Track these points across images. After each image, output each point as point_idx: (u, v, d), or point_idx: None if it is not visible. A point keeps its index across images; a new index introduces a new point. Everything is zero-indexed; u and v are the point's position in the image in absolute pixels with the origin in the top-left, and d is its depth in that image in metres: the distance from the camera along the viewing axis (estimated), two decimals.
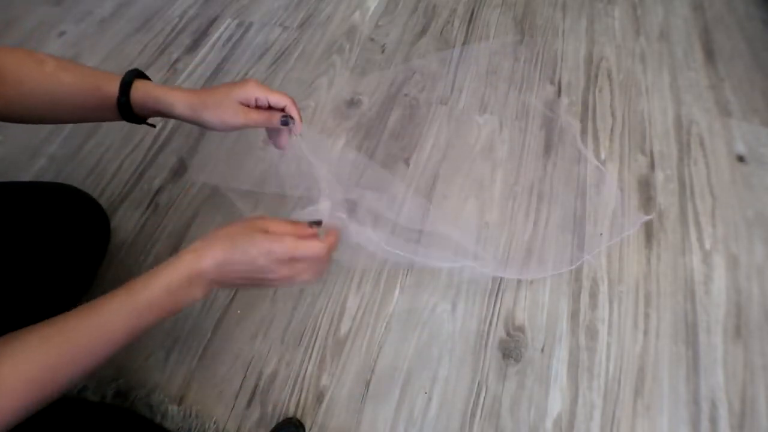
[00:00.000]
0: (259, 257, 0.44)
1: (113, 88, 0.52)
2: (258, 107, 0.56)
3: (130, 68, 0.55)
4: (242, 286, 0.48)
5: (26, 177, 0.90)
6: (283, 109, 0.57)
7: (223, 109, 0.53)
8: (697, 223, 0.82)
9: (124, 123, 0.98)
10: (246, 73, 1.06)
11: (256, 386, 0.68)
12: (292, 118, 0.57)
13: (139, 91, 0.53)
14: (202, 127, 0.55)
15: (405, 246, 0.75)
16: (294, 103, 0.56)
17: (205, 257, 0.43)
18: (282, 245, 0.44)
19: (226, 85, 0.55)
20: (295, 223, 0.49)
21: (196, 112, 0.53)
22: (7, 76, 0.49)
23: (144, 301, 0.41)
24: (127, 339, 0.41)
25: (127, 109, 0.54)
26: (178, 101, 0.53)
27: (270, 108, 0.57)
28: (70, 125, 0.97)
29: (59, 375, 0.38)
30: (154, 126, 0.60)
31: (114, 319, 0.40)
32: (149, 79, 0.56)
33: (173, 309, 0.43)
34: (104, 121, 0.56)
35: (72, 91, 0.52)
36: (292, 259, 0.45)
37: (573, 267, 0.76)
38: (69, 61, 0.54)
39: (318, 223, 0.54)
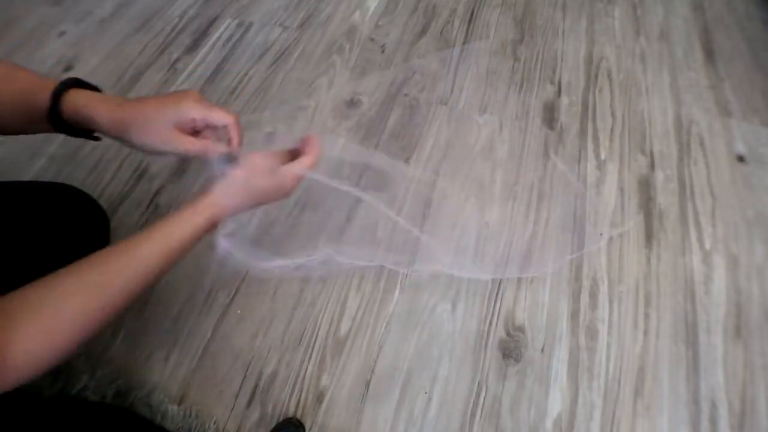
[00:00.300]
0: (276, 192, 0.53)
1: (46, 98, 0.46)
2: (196, 128, 0.49)
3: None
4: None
5: (26, 177, 0.90)
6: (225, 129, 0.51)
7: (151, 132, 0.46)
8: (697, 223, 0.82)
9: None
10: (246, 73, 1.06)
11: (256, 386, 0.68)
12: (234, 157, 0.51)
13: (69, 103, 0.47)
14: (131, 147, 0.48)
15: (401, 259, 0.75)
16: (237, 122, 0.50)
17: (227, 209, 0.51)
18: (293, 180, 0.53)
19: (160, 100, 0.47)
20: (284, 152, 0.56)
21: (120, 131, 0.46)
22: None
23: (176, 241, 0.47)
24: (159, 276, 0.46)
25: (59, 123, 0.48)
26: (101, 117, 0.46)
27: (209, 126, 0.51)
28: None
29: (101, 314, 0.41)
30: (98, 139, 0.51)
31: (150, 257, 0.45)
32: (92, 87, 0.49)
33: (194, 246, 0.49)
34: (51, 132, 0.50)
35: (13, 101, 0.48)
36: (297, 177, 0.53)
37: (556, 267, 0.76)
38: (15, 68, 0.49)
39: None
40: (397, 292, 0.75)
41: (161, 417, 0.65)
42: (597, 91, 1.01)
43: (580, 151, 0.91)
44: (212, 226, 0.50)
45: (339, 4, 1.22)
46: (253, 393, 0.68)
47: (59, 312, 0.39)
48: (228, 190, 0.50)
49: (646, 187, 0.86)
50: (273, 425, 0.64)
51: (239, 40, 1.13)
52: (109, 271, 0.43)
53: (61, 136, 0.94)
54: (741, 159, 0.90)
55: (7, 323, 0.36)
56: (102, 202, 0.83)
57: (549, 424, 0.64)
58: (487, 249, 0.79)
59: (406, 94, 1.01)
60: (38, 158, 0.93)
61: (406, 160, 0.90)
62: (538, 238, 0.80)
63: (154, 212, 0.85)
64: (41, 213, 0.65)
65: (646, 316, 0.72)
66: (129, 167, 0.91)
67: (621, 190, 0.86)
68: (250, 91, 1.03)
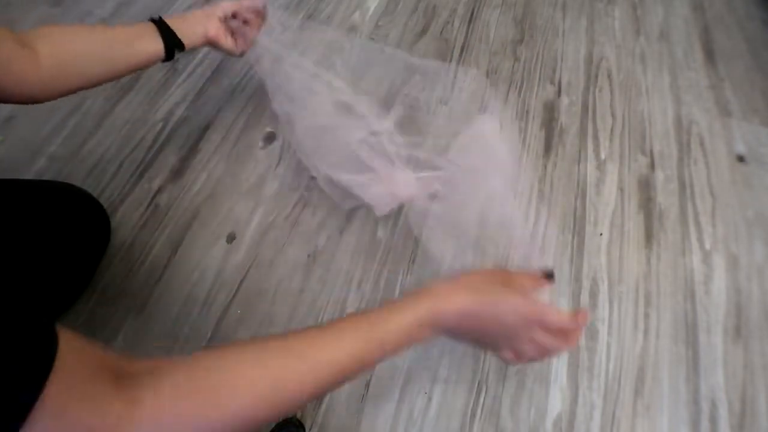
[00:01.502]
0: (508, 315, 0.41)
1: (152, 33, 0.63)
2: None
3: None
4: (474, 343, 0.45)
5: (26, 177, 0.90)
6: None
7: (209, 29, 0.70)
8: (697, 223, 0.82)
9: (124, 123, 0.98)
10: (246, 73, 1.06)
11: None
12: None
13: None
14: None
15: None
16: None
17: (450, 303, 0.40)
18: (534, 307, 0.41)
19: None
20: (532, 276, 0.46)
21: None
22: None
23: (379, 335, 0.39)
24: (351, 369, 0.37)
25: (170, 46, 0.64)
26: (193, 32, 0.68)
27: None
28: (71, 125, 0.97)
29: (286, 392, 0.34)
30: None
31: (347, 343, 0.37)
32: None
33: (397, 349, 0.40)
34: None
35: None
36: (541, 326, 0.42)
37: None
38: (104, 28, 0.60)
39: (551, 275, 0.48)
40: (397, 293, 0.75)
41: None
42: (597, 91, 1.01)
43: (580, 151, 0.91)
44: (428, 323, 0.40)
45: (339, 4, 1.22)
46: None
47: (224, 389, 0.31)
48: (449, 284, 0.42)
49: (646, 187, 0.86)
50: (273, 425, 0.64)
51: None
52: (300, 349, 0.36)
53: (61, 137, 0.94)
54: (741, 159, 0.90)
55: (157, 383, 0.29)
56: (102, 202, 0.83)
57: (549, 424, 0.64)
58: (487, 248, 0.79)
59: (406, 94, 1.01)
60: (38, 158, 0.93)
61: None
62: (538, 238, 0.80)
63: (154, 212, 0.85)
64: (43, 211, 0.65)
65: (646, 316, 0.72)
66: (129, 167, 0.91)
67: (621, 190, 0.86)
68: (250, 91, 1.03)
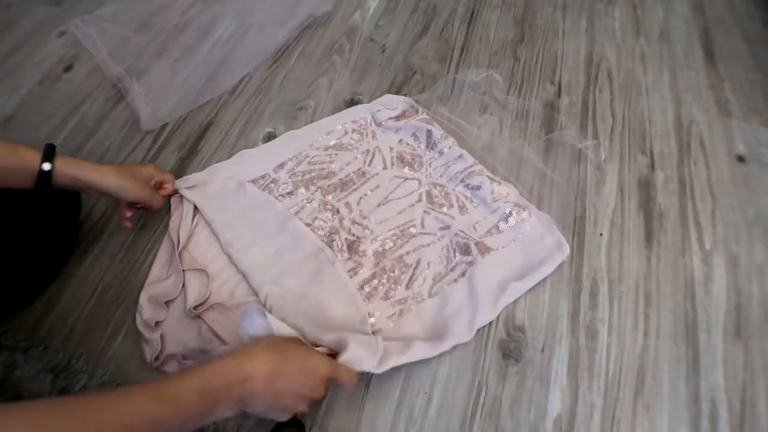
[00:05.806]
0: (308, 373, 0.45)
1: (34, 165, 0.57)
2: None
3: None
4: (277, 407, 0.46)
5: None
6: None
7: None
8: (697, 223, 0.82)
9: (124, 122, 0.99)
10: (246, 74, 1.06)
11: None
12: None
13: (61, 171, 0.60)
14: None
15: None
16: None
17: (256, 361, 0.41)
18: (328, 365, 0.48)
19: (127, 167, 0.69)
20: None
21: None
22: None
23: (171, 393, 0.37)
24: (145, 430, 0.36)
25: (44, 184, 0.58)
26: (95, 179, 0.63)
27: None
28: (71, 125, 0.97)
29: None
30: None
31: (135, 402, 0.36)
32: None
33: (198, 411, 0.38)
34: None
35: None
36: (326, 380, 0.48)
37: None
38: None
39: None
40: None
41: None
42: (597, 91, 1.02)
43: (579, 151, 0.91)
44: (233, 384, 0.40)
45: (339, 4, 1.22)
46: None
47: None
48: (252, 347, 0.43)
49: (646, 187, 0.86)
50: (273, 425, 0.64)
51: (239, 40, 1.13)
52: (88, 409, 0.34)
53: (62, 137, 0.94)
54: (741, 159, 0.90)
55: None
56: (102, 203, 0.83)
57: (549, 424, 0.64)
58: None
59: (406, 94, 1.01)
60: None
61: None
62: None
63: (154, 212, 0.85)
64: (7, 200, 0.65)
65: (646, 316, 0.72)
66: None
67: (621, 190, 0.86)
68: (250, 91, 1.03)
